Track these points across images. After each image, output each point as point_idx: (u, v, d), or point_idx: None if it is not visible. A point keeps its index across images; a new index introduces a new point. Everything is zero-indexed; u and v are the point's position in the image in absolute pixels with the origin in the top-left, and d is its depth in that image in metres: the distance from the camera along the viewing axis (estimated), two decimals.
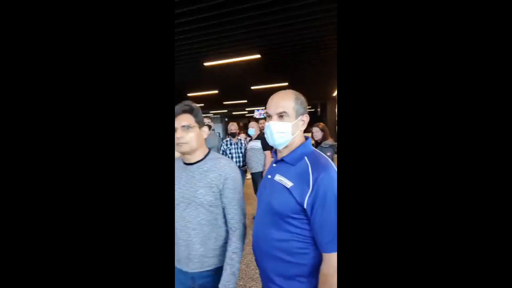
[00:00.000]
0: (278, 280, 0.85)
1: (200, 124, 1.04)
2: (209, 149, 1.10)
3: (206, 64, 5.07)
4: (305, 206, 0.78)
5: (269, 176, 0.93)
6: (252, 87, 8.01)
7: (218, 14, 3.05)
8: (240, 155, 3.41)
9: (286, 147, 0.88)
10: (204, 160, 1.04)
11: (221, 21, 3.24)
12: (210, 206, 0.99)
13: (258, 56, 4.66)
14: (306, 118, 0.89)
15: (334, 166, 0.82)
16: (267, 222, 0.87)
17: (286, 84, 7.65)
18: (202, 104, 12.59)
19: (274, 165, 0.94)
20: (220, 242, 1.02)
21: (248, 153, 3.38)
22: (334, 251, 0.75)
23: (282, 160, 0.90)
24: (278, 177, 0.87)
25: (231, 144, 3.42)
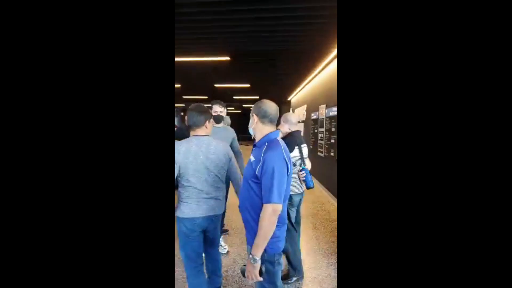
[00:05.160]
0: (252, 224, 1.33)
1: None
2: None
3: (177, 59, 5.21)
4: (257, 173, 1.26)
5: (251, 156, 1.41)
6: (215, 85, 8.28)
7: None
8: None
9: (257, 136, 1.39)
10: None
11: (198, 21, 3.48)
12: None
13: (228, 58, 5.00)
14: (256, 118, 1.37)
15: (281, 149, 1.26)
16: (244, 187, 1.38)
17: (248, 85, 8.12)
18: None
19: (253, 149, 1.41)
20: None
21: None
22: (268, 202, 1.20)
23: (255, 145, 1.39)
24: (251, 156, 1.37)
25: None
